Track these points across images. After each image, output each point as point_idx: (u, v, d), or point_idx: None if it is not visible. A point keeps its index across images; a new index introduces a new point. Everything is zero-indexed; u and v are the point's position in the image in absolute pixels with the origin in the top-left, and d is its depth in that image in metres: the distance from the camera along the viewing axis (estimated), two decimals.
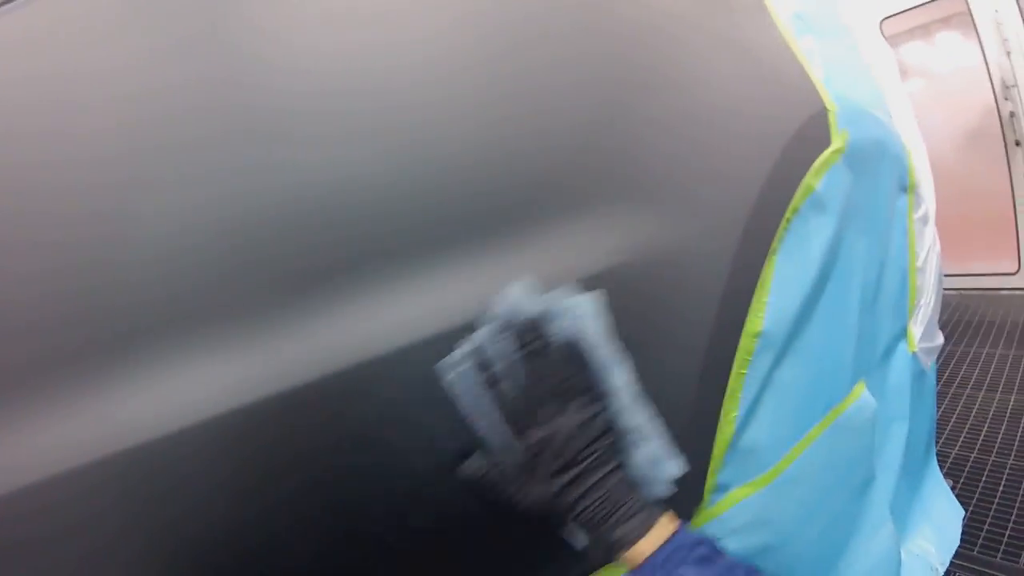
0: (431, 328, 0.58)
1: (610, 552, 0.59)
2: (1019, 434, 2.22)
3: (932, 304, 1.33)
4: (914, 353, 1.24)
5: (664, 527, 0.59)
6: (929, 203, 1.31)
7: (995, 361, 2.76)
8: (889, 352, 1.16)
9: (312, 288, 0.56)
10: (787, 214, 0.77)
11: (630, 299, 0.66)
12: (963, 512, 1.51)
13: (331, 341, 0.55)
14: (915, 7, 3.39)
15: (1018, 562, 1.62)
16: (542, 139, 0.64)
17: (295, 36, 0.59)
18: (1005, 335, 2.98)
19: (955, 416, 2.41)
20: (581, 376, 0.61)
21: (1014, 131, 3.20)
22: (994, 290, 3.48)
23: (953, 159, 3.49)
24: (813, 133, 0.84)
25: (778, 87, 0.85)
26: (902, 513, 1.29)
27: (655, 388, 0.66)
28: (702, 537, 0.60)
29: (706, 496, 0.76)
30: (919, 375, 1.29)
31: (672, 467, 0.65)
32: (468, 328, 0.58)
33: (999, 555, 1.65)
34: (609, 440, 0.62)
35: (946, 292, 3.48)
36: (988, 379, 2.65)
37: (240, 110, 0.56)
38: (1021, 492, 1.90)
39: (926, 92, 3.63)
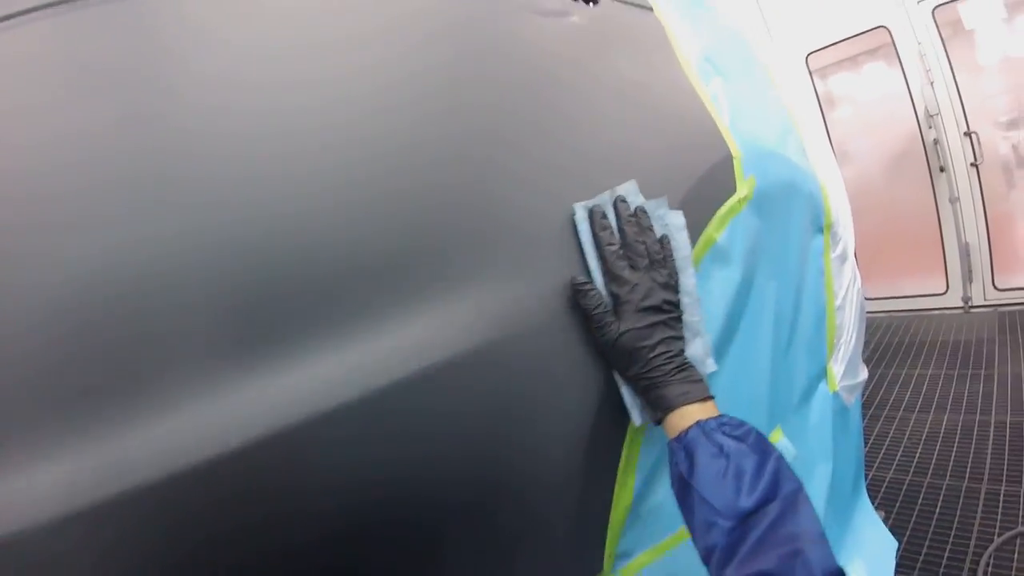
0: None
1: (669, 405, 0.68)
2: (953, 454, 2.26)
3: (854, 341, 1.33)
4: (835, 392, 1.24)
5: (712, 407, 0.69)
6: (847, 240, 1.31)
7: (926, 381, 2.82)
8: (808, 394, 1.15)
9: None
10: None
11: (516, 366, 0.64)
12: (896, 544, 1.51)
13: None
14: (840, 41, 3.51)
15: None
16: (405, 204, 0.61)
17: None
18: (936, 354, 3.06)
19: (889, 439, 2.43)
20: (667, 264, 0.74)
21: (938, 157, 3.32)
22: (924, 311, 3.58)
23: (881, 185, 3.61)
24: (717, 181, 0.83)
25: (679, 134, 0.83)
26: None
27: (541, 460, 0.65)
28: (744, 422, 0.67)
29: (607, 564, 0.73)
30: (841, 412, 1.29)
31: (710, 366, 0.77)
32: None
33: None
34: (679, 315, 0.74)
35: (876, 315, 3.58)
36: (920, 400, 2.70)
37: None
38: (957, 512, 1.92)
39: (854, 120, 3.75)
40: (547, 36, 0.77)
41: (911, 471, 2.22)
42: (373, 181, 0.59)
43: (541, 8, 0.78)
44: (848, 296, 1.29)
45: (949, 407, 2.58)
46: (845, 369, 1.31)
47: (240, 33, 0.59)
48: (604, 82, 0.81)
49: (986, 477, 2.05)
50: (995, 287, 3.31)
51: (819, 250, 1.16)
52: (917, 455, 2.30)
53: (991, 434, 2.31)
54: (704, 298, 0.78)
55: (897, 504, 2.03)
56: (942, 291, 3.49)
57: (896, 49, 3.34)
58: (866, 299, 1.49)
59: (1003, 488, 1.97)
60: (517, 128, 0.69)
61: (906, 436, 2.44)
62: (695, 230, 0.77)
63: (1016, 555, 1.65)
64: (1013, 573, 1.60)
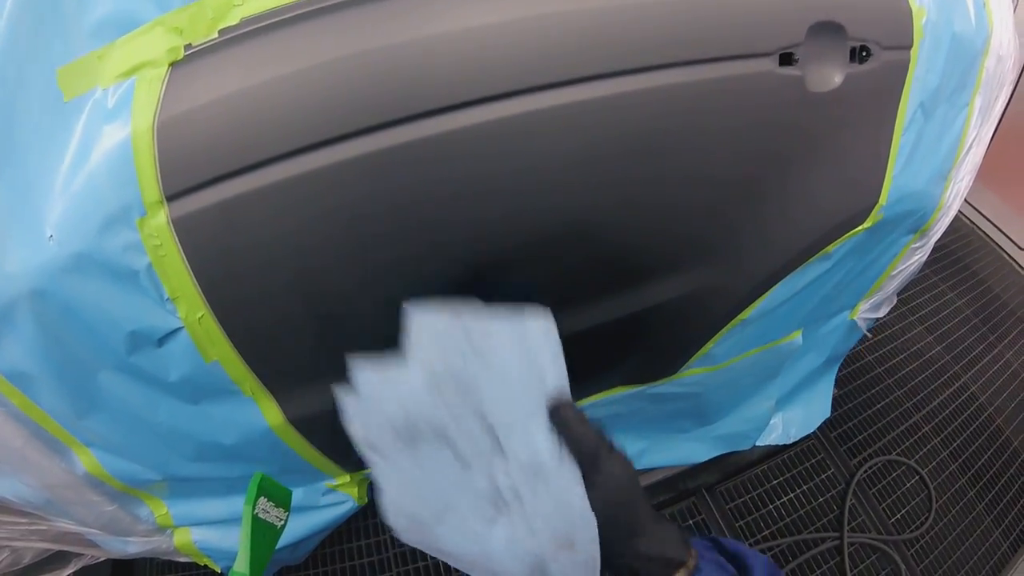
0: None
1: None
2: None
3: (889, 291, 1.86)
4: (853, 319, 1.83)
5: None
6: (937, 235, 1.75)
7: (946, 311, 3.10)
8: (832, 316, 1.75)
9: None
10: (799, 267, 1.31)
11: None
12: (828, 413, 2.22)
13: None
14: None
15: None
16: None
17: None
18: (973, 294, 3.24)
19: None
20: None
21: None
22: (992, 241, 3.64)
23: None
24: (854, 219, 1.31)
25: (850, 185, 1.26)
26: (788, 400, 2.01)
27: None
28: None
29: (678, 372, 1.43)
30: (851, 328, 1.90)
31: None
32: None
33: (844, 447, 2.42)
34: None
35: (962, 216, 3.65)
36: (934, 319, 3.03)
37: None
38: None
39: None
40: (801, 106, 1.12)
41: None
42: None
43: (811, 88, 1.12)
44: (905, 270, 1.78)
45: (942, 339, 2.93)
46: (870, 306, 1.88)
47: None
48: (815, 140, 1.17)
49: None
50: None
51: (902, 243, 1.63)
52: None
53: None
54: (798, 280, 1.34)
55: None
56: None
57: None
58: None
59: None
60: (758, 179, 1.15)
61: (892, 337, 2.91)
62: (817, 249, 1.29)
63: None
64: None
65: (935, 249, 3.17)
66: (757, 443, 2.07)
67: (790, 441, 2.14)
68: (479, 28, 0.87)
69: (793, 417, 2.10)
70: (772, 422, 2.05)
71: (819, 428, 2.23)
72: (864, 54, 1.15)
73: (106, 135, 0.80)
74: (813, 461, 2.32)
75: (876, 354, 2.79)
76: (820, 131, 1.16)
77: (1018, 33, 1.66)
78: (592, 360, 1.33)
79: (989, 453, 2.51)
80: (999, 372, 2.86)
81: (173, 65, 0.82)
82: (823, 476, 2.30)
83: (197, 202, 0.83)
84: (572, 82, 0.90)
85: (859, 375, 2.68)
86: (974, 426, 2.59)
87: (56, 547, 1.36)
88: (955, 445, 2.50)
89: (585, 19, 0.90)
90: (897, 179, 1.32)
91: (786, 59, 1.05)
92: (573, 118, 0.92)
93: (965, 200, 3.59)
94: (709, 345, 1.40)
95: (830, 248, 1.32)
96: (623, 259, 1.10)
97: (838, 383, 2.43)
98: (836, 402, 2.37)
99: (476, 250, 0.98)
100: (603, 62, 0.92)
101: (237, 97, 0.82)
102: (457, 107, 0.87)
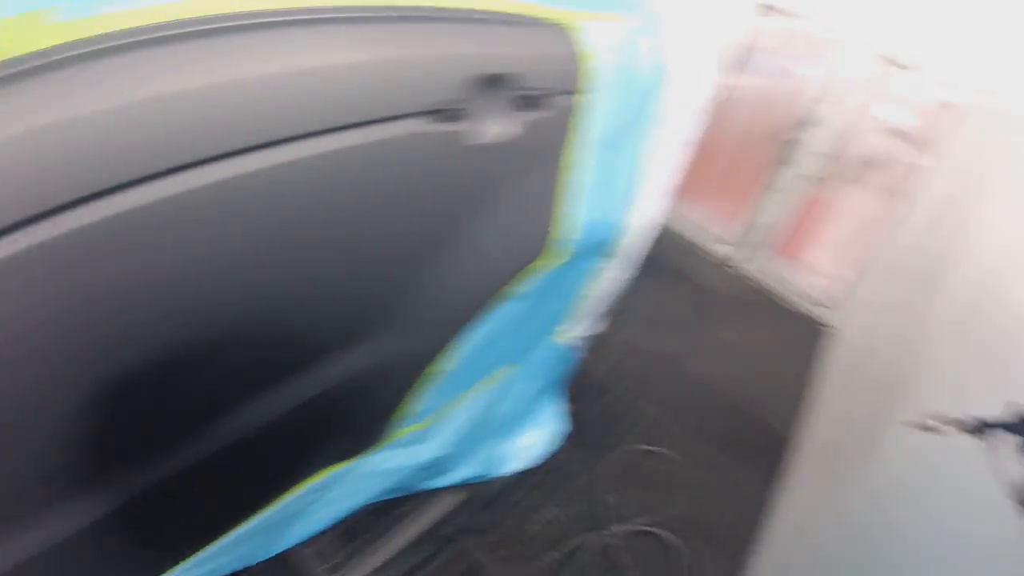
0: None
1: None
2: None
3: (594, 313, 1.98)
4: (559, 341, 1.92)
5: None
6: (630, 255, 1.88)
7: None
8: (539, 343, 1.83)
9: None
10: (484, 313, 1.33)
11: None
12: (567, 427, 2.34)
13: None
14: None
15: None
16: None
17: None
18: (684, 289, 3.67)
19: None
20: None
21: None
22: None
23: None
24: (532, 256, 1.37)
25: (526, 229, 1.32)
26: (522, 426, 2.08)
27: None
28: None
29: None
30: (564, 351, 1.99)
31: None
32: None
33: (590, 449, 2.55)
34: None
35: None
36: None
37: None
38: None
39: None
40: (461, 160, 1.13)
41: None
42: None
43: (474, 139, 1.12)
44: (603, 291, 1.90)
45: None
46: (576, 327, 1.97)
47: None
48: (479, 192, 1.20)
49: None
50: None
51: (592, 268, 1.73)
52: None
53: None
54: (486, 322, 1.37)
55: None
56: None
57: None
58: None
59: None
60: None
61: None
62: (502, 291, 1.33)
63: None
64: None
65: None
66: (503, 473, 2.11)
67: (537, 463, 2.22)
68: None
69: (533, 441, 2.17)
70: (513, 451, 2.10)
71: (563, 440, 2.34)
72: (528, 102, 1.18)
73: None
74: (565, 470, 2.41)
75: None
76: (484, 182, 1.19)
77: (701, 59, 1.79)
78: (293, 447, 1.27)
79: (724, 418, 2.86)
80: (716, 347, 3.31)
81: None
82: (578, 482, 2.41)
83: None
84: (218, 158, 0.81)
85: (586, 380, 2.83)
86: (703, 399, 2.94)
87: None
88: (693, 422, 2.79)
89: (236, 91, 0.81)
90: (574, 214, 1.40)
91: (440, 116, 1.04)
92: (222, 196, 0.83)
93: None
94: (407, 404, 1.39)
95: (517, 287, 1.36)
96: (297, 341, 1.06)
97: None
98: (573, 411, 2.50)
99: (114, 363, 0.86)
100: (248, 134, 0.83)
101: None
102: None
